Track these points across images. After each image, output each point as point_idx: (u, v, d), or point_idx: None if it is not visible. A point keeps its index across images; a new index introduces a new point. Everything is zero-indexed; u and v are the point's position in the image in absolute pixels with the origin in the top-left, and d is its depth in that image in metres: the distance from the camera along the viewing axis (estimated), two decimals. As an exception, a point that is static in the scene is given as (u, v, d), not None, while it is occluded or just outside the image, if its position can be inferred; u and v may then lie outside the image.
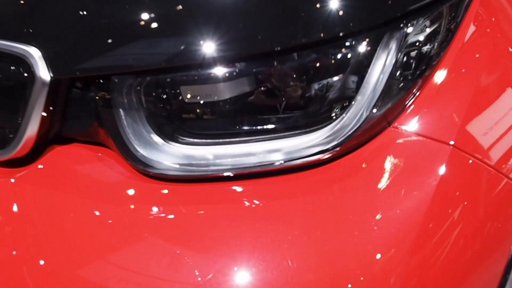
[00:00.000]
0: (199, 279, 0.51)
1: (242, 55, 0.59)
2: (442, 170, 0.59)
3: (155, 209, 0.57)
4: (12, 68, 0.62)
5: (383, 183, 0.58)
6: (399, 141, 0.61)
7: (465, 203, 0.59)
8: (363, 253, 0.54)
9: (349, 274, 0.52)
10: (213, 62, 0.58)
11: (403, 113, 0.62)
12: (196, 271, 0.51)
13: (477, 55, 0.67)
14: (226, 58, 0.58)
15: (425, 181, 0.58)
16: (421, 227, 0.56)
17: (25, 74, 0.59)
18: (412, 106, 0.62)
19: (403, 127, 0.61)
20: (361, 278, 0.52)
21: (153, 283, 0.52)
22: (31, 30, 0.61)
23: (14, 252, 0.57)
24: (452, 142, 0.60)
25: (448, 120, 0.62)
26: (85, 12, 0.61)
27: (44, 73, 0.58)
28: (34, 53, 0.58)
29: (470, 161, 0.61)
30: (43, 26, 0.62)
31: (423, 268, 0.55)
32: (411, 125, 0.61)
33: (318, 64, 0.60)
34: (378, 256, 0.54)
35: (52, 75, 0.58)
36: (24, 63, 0.59)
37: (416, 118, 0.62)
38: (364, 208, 0.57)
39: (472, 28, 0.68)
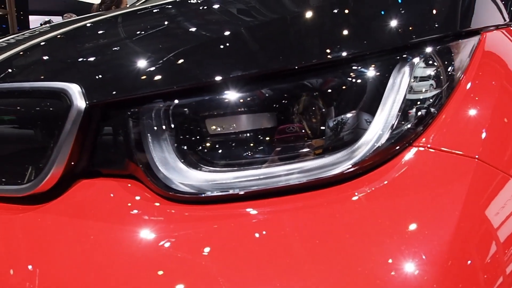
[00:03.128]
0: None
1: (262, 86, 0.62)
2: (468, 183, 0.58)
3: (182, 233, 0.57)
4: (47, 103, 0.65)
5: (407, 200, 0.57)
6: (422, 158, 0.61)
7: (494, 215, 0.58)
8: (387, 273, 0.51)
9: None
10: (235, 92, 0.61)
11: (425, 131, 0.62)
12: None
13: (496, 70, 0.69)
14: (249, 89, 0.61)
15: (452, 195, 0.58)
16: (449, 244, 0.54)
17: (62, 106, 0.63)
18: (433, 123, 0.63)
19: (426, 144, 0.62)
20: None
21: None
22: (66, 69, 0.66)
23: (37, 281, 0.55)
24: (477, 156, 0.60)
25: (471, 134, 0.62)
26: (111, 50, 0.65)
27: (80, 102, 0.62)
28: (72, 87, 0.63)
29: (495, 173, 0.60)
30: (76, 63, 0.66)
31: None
32: (434, 142, 0.62)
33: (336, 88, 0.62)
34: (405, 276, 0.51)
35: (87, 102, 0.62)
36: (61, 97, 0.63)
37: (439, 134, 0.62)
38: (389, 226, 0.55)
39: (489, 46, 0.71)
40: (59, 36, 0.98)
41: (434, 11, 0.72)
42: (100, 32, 0.94)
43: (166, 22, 0.85)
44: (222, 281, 0.50)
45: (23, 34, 1.17)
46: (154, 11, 1.00)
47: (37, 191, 0.65)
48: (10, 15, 8.81)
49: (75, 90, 0.62)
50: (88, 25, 1.02)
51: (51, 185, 0.64)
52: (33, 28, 1.28)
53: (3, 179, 0.70)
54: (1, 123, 0.75)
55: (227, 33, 0.68)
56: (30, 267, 0.58)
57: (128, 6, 3.49)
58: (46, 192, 0.65)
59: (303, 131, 0.62)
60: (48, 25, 1.28)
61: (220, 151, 0.62)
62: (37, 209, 0.65)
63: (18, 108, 0.71)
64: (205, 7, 0.86)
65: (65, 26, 1.08)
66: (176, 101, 0.61)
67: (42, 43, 0.97)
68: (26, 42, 0.98)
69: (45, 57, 0.83)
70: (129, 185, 0.64)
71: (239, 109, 0.62)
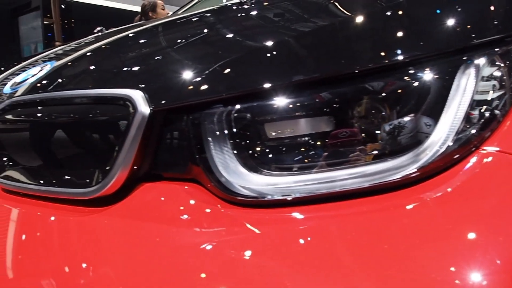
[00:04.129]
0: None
1: (323, 90, 0.62)
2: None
3: (246, 236, 0.57)
4: (111, 110, 0.68)
5: (474, 206, 0.56)
6: (489, 162, 0.59)
7: None
8: (451, 282, 0.50)
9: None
10: (295, 97, 0.61)
11: (492, 134, 0.60)
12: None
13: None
14: (308, 93, 0.61)
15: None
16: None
17: (126, 112, 0.65)
18: (500, 126, 0.61)
19: (493, 148, 0.60)
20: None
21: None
22: (131, 77, 0.68)
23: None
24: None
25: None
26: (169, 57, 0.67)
27: (144, 108, 0.64)
28: (136, 93, 0.65)
29: None
30: (136, 72, 0.68)
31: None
32: (501, 145, 0.60)
33: (398, 91, 0.61)
34: (471, 286, 0.50)
35: (151, 108, 0.63)
36: (126, 103, 0.65)
37: (506, 137, 0.60)
38: (456, 233, 0.54)
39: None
40: (111, 45, 1.01)
41: (497, 11, 0.70)
42: (153, 40, 0.96)
43: (221, 28, 0.87)
44: (289, 285, 0.51)
45: (69, 45, 1.22)
46: (206, 16, 1.02)
47: (103, 194, 0.67)
48: (56, 24, 9.17)
49: (139, 97, 0.64)
50: (140, 33, 1.05)
51: (116, 188, 0.67)
52: (83, 39, 1.32)
53: (70, 183, 0.73)
54: (66, 129, 0.78)
55: (285, 38, 0.69)
56: (99, 267, 0.60)
57: (169, 14, 3.55)
58: (110, 195, 0.68)
59: (364, 135, 0.61)
60: (99, 33, 1.33)
61: (280, 155, 0.62)
62: (103, 211, 0.67)
63: (83, 114, 0.74)
64: (259, 13, 0.87)
65: (115, 34, 1.12)
66: (237, 106, 0.62)
67: (96, 53, 1.01)
68: (79, 51, 1.02)
69: (105, 66, 0.86)
70: (190, 188, 0.66)
71: (299, 113, 0.62)
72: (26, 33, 8.34)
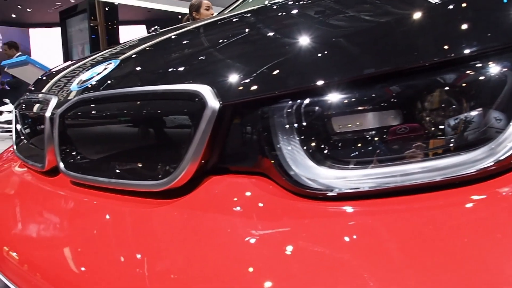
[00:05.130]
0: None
1: (392, 83, 0.61)
2: None
3: (317, 229, 0.58)
4: (179, 105, 0.70)
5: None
6: None
7: None
8: None
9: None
10: (364, 90, 0.61)
11: None
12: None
13: None
14: (377, 86, 0.61)
15: None
16: None
17: (196, 107, 0.66)
18: None
19: None
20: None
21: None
22: (198, 72, 0.70)
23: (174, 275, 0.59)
24: None
25: None
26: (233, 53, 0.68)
27: (214, 102, 0.65)
28: (205, 89, 0.66)
29: None
30: (203, 67, 0.70)
31: None
32: None
33: (470, 83, 0.60)
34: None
35: (221, 102, 0.65)
36: (196, 98, 0.66)
37: None
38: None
39: None
40: (171, 42, 1.04)
41: None
42: (212, 37, 0.98)
43: (282, 24, 0.87)
44: (366, 276, 0.51)
45: (125, 45, 1.25)
46: (261, 13, 1.03)
47: (172, 186, 0.69)
48: (100, 26, 9.48)
49: (208, 92, 0.66)
50: (197, 31, 1.07)
51: (186, 181, 0.69)
52: (134, 38, 1.36)
53: (140, 176, 0.76)
54: (135, 124, 0.81)
55: (352, 31, 0.69)
56: (172, 257, 0.62)
57: (214, 14, 3.59)
58: (179, 187, 0.70)
59: (434, 128, 0.60)
60: (159, 31, 1.36)
61: (348, 148, 0.62)
62: (173, 203, 0.69)
63: (152, 109, 0.77)
64: (321, 7, 0.86)
65: (170, 33, 1.15)
66: (306, 100, 0.62)
67: (157, 49, 1.04)
68: (139, 48, 1.05)
69: (169, 62, 0.88)
70: (258, 181, 0.67)
71: (368, 107, 0.61)
72: (73, 35, 8.67)
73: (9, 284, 0.80)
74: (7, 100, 8.91)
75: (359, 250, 0.54)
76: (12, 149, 1.44)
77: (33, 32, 19.64)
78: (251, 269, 0.56)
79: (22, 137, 1.25)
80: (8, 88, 8.15)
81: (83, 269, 0.68)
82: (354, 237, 0.56)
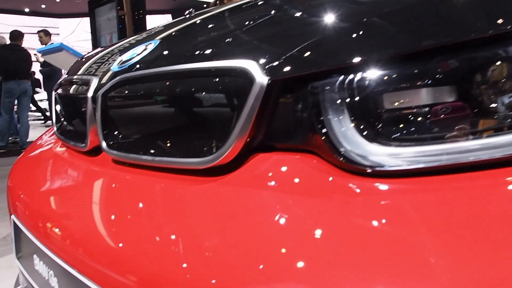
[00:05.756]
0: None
1: (449, 57, 0.58)
2: None
3: (366, 205, 0.56)
4: (226, 81, 0.69)
5: None
6: None
7: None
8: None
9: None
10: (418, 65, 0.59)
11: None
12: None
13: None
14: (433, 60, 0.58)
15: None
16: None
17: (243, 83, 0.66)
18: None
19: None
20: None
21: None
22: (244, 49, 0.69)
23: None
24: None
25: None
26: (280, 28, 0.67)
27: (262, 78, 0.64)
28: (253, 64, 0.65)
29: None
30: (251, 43, 0.69)
31: None
32: None
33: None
34: None
35: (269, 78, 0.64)
36: (243, 74, 0.66)
37: None
38: None
39: None
40: (211, 20, 1.03)
41: None
42: (255, 14, 0.96)
43: None
44: (427, 253, 0.49)
45: (163, 26, 1.25)
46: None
47: (218, 163, 0.69)
48: (127, 15, 9.56)
49: (256, 68, 0.65)
50: (237, 9, 1.06)
51: (232, 158, 0.68)
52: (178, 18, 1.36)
53: (185, 153, 0.76)
54: (179, 102, 0.81)
55: (409, 2, 0.66)
56: (219, 234, 0.62)
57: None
58: (225, 164, 0.69)
59: (491, 105, 0.58)
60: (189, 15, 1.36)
61: (401, 125, 0.60)
62: (219, 180, 0.69)
63: (198, 87, 0.76)
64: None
65: (208, 13, 1.14)
66: (358, 76, 0.60)
67: (197, 28, 1.03)
68: (178, 27, 1.04)
69: (211, 39, 0.88)
70: (305, 158, 0.66)
71: (423, 82, 0.59)
72: (102, 24, 8.78)
73: (55, 258, 0.82)
74: (39, 89, 9.12)
75: (410, 227, 0.53)
76: (48, 132, 1.47)
77: (62, 22, 20.10)
78: (296, 245, 0.55)
79: (62, 119, 1.27)
80: (42, 78, 8.33)
81: (129, 246, 0.68)
82: (407, 214, 0.54)
